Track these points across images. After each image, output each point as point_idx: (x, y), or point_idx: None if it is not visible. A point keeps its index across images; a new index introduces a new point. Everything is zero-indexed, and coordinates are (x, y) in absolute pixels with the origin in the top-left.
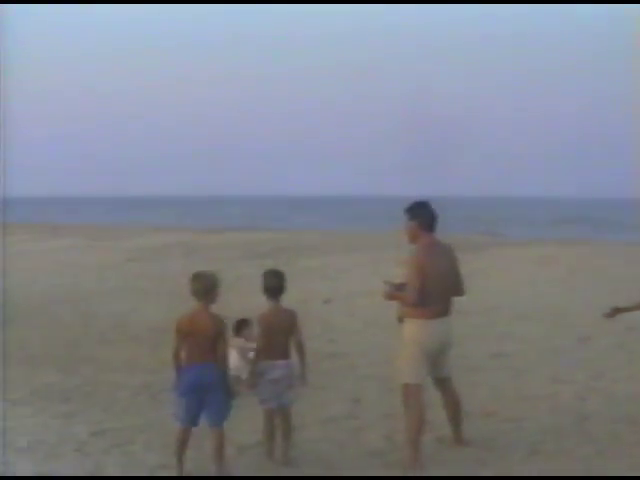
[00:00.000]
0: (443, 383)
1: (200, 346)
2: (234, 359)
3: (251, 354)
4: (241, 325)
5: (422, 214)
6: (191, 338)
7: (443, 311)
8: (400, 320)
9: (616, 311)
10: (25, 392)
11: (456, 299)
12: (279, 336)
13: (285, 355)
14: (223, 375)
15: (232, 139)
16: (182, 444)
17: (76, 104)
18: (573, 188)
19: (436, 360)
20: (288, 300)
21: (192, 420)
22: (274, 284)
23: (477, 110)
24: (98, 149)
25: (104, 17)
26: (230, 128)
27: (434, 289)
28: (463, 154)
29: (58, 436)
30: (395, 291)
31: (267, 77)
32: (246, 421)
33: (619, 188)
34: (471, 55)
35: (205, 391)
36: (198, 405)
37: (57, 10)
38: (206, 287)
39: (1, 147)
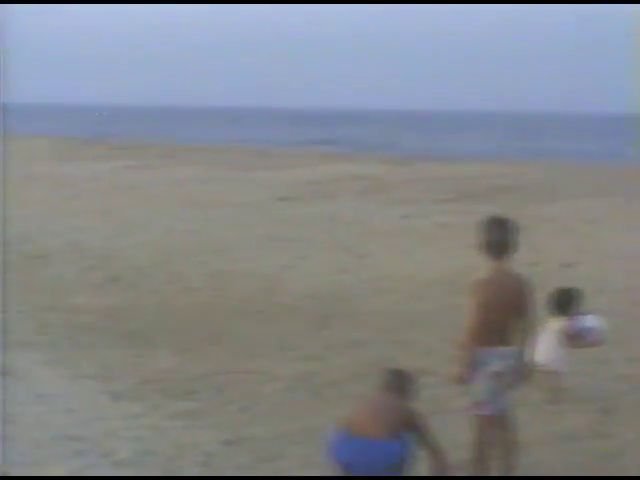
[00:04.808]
0: None
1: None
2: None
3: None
4: (565, 298)
5: None
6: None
7: None
8: None
9: None
10: (132, 382)
11: None
12: (502, 312)
13: (508, 339)
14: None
15: None
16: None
17: None
18: None
19: None
20: (514, 262)
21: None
22: (499, 238)
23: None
24: None
25: None
26: None
27: None
28: None
29: (176, 445)
30: None
31: None
32: (446, 432)
33: None
34: None
35: None
36: None
37: None
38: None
39: None
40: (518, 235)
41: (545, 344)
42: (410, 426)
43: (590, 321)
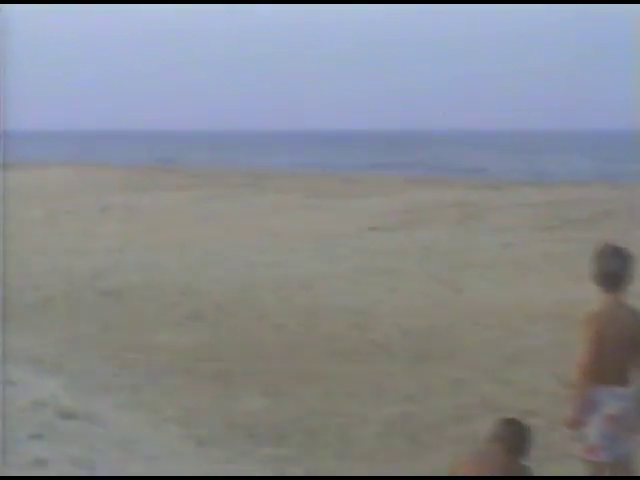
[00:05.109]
0: None
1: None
2: None
3: None
4: None
5: None
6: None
7: None
8: None
9: None
10: (217, 426)
11: None
12: (619, 348)
13: (625, 379)
14: None
15: None
16: None
17: None
18: None
19: None
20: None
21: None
22: (615, 269)
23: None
24: None
25: None
26: None
27: None
28: None
29: None
30: None
31: None
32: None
33: None
34: None
35: None
36: None
37: None
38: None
39: None
40: (634, 265)
41: None
42: None
43: None
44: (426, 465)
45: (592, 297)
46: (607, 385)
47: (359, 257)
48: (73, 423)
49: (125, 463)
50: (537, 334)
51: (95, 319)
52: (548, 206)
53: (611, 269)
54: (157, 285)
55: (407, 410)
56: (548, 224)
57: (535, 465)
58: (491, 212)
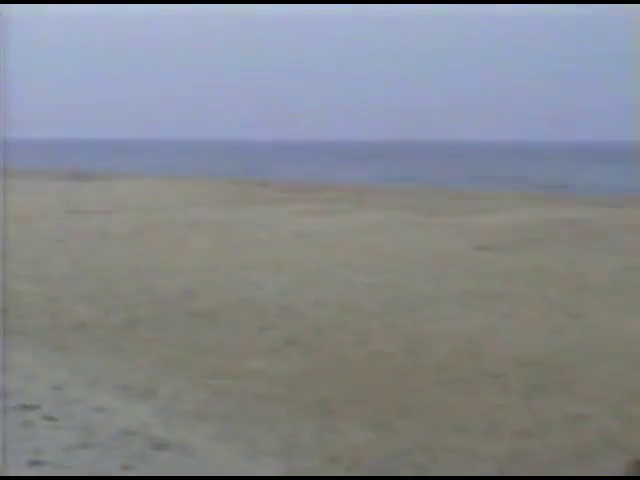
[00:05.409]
0: None
1: None
2: None
3: None
4: None
5: None
6: None
7: None
8: None
9: None
10: (317, 460)
11: None
12: None
13: None
14: None
15: None
16: None
17: None
18: None
19: None
20: None
21: None
22: None
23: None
24: None
25: None
26: None
27: None
28: None
29: None
30: None
31: None
32: None
33: None
34: None
35: None
36: None
37: None
38: None
39: None
40: None
41: None
42: None
43: None
44: None
45: None
46: None
47: (467, 279)
48: (165, 454)
49: None
50: None
51: (186, 342)
52: None
53: None
54: (252, 306)
55: (522, 447)
56: None
57: None
58: (611, 231)
